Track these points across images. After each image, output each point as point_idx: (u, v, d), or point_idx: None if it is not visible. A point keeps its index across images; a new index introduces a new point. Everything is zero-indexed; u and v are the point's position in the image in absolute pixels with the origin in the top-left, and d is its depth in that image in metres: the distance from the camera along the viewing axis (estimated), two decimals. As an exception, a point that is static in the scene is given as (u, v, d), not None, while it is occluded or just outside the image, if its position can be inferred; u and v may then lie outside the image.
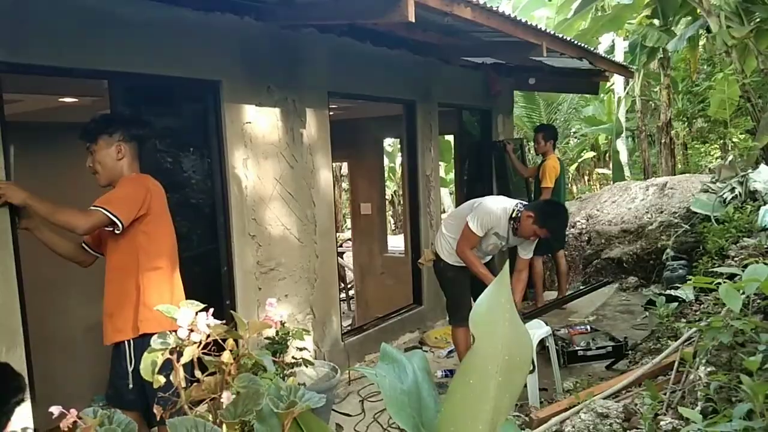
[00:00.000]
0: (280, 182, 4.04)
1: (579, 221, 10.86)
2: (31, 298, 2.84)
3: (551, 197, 5.95)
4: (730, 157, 7.53)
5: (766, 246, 4.31)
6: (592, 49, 6.02)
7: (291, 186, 4.12)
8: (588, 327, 5.41)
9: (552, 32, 4.72)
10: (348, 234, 9.75)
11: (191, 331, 0.97)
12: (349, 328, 6.60)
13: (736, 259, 4.36)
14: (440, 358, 5.12)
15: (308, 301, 4.28)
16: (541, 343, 4.23)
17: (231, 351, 0.99)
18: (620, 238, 7.89)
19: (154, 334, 1.99)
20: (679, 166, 12.62)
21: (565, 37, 5.03)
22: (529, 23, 4.30)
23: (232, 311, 1.45)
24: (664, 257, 6.53)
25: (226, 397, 0.94)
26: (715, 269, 3.17)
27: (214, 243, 3.73)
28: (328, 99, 4.46)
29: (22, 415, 2.37)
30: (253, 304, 3.88)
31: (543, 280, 6.29)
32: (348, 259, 8.81)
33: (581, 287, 7.19)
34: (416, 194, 5.60)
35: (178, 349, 0.99)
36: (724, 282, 1.83)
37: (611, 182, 14.32)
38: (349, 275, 8.67)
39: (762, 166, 6.19)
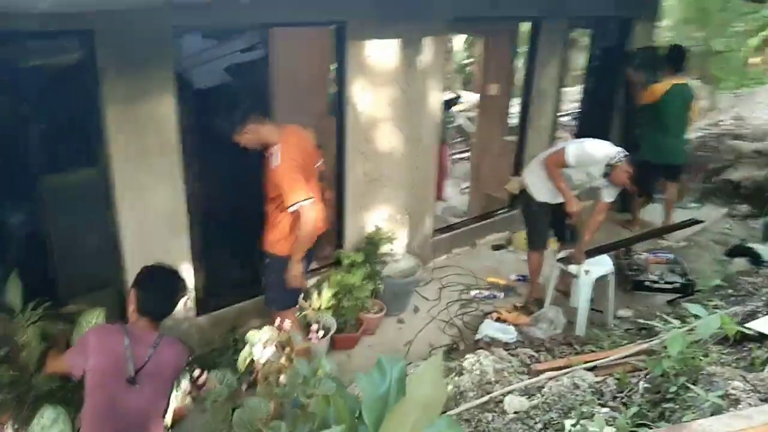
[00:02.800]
0: (392, 106, 4.62)
1: (724, 120, 10.16)
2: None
3: (650, 121, 5.77)
4: None
5: None
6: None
7: (402, 109, 4.69)
8: (670, 256, 5.63)
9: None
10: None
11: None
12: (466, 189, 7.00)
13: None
14: (522, 260, 5.77)
15: (405, 205, 5.05)
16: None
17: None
18: (750, 159, 7.52)
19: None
20: None
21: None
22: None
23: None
24: (782, 193, 6.29)
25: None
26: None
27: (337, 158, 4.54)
28: (450, 25, 4.75)
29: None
30: (359, 205, 4.73)
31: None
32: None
33: (690, 203, 7.17)
34: (527, 108, 5.87)
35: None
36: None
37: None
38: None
39: None
